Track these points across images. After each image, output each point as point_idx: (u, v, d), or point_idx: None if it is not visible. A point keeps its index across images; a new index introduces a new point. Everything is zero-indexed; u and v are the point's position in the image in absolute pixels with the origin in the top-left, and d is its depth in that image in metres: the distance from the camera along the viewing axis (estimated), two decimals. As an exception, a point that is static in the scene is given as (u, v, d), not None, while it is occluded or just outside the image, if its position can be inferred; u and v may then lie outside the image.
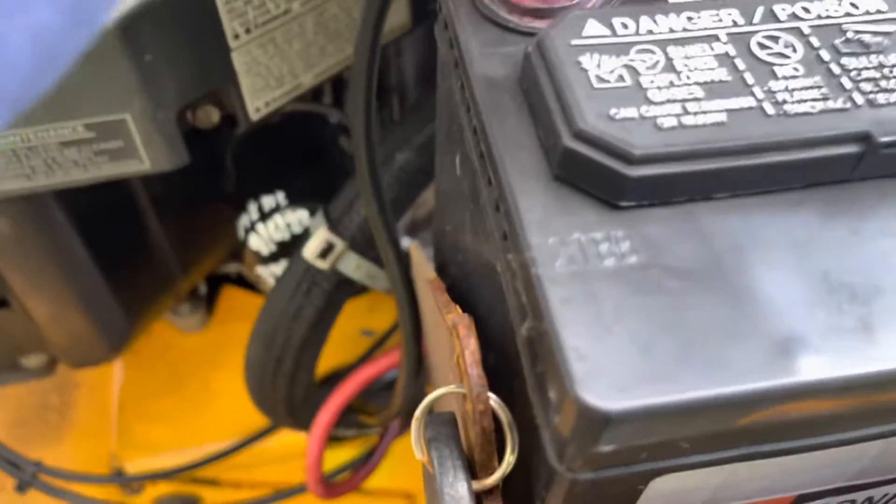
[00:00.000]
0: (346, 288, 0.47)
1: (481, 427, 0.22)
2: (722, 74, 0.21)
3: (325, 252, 0.45)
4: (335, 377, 0.65)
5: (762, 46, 0.22)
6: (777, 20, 0.23)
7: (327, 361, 0.60)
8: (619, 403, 0.17)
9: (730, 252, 0.20)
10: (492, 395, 0.22)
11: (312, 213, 0.54)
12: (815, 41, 0.22)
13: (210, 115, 0.47)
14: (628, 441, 0.18)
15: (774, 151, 0.20)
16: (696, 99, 0.21)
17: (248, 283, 0.74)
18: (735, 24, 0.23)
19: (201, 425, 0.69)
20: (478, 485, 0.22)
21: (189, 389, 0.72)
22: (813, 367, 0.18)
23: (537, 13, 0.25)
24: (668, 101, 0.21)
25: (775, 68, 0.22)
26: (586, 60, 0.21)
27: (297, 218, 0.54)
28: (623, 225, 0.20)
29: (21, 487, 0.61)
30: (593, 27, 0.22)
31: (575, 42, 0.22)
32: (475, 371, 0.22)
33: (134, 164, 0.45)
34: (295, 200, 0.55)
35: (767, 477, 0.21)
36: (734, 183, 0.20)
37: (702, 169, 0.20)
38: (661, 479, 0.20)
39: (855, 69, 0.22)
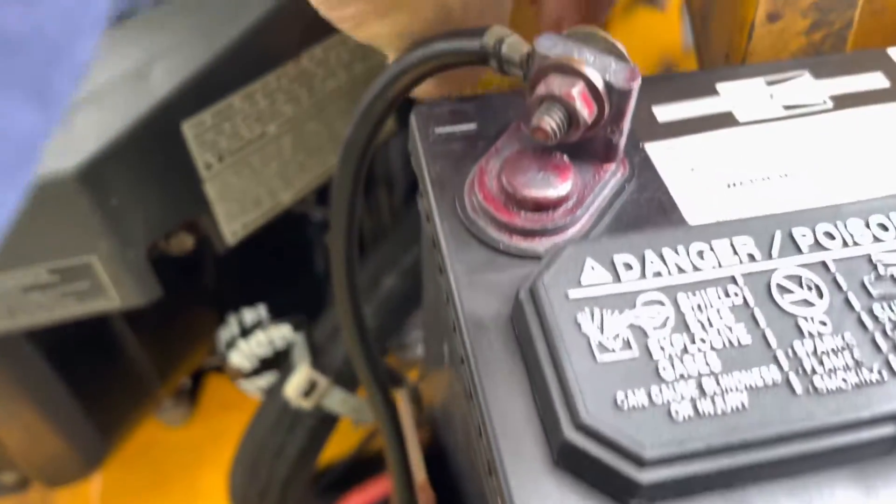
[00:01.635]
0: (331, 421, 0.45)
1: None
2: (741, 334, 0.19)
3: (309, 390, 0.43)
4: (326, 474, 0.62)
5: (783, 290, 0.20)
6: (798, 250, 0.20)
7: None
8: None
9: (758, 562, 0.17)
10: None
11: (296, 327, 0.51)
12: (842, 280, 0.20)
13: (184, 243, 0.44)
14: None
15: (805, 439, 0.18)
16: (713, 373, 0.18)
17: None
18: (752, 258, 0.20)
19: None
20: None
21: (174, 489, 0.69)
22: None
23: (528, 233, 0.22)
24: (682, 377, 0.18)
25: (800, 321, 0.19)
26: (586, 321, 0.19)
27: (280, 333, 0.51)
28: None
29: None
30: (593, 271, 0.20)
31: (573, 294, 0.19)
32: None
33: (102, 303, 0.42)
34: (278, 313, 0.52)
35: None
36: (758, 474, 0.18)
37: (721, 467, 0.17)
38: None
39: (890, 321, 0.19)
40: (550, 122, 0.21)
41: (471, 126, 0.26)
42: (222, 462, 0.54)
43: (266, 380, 0.53)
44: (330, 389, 0.42)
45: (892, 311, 0.19)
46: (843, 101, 0.27)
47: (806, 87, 0.27)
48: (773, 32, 0.28)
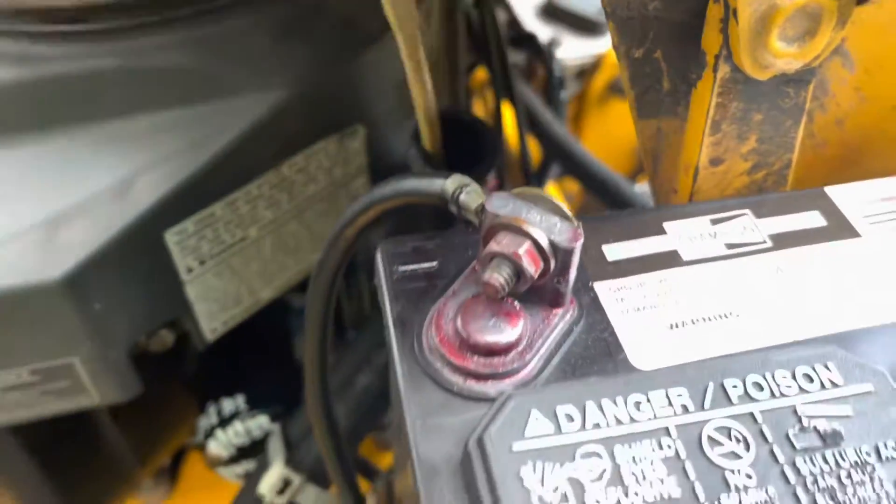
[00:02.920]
0: (304, 517, 0.45)
1: None
2: (671, 487, 0.20)
3: (283, 488, 0.43)
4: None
5: (713, 442, 0.21)
6: (729, 401, 0.22)
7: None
8: None
9: None
10: None
11: (273, 418, 0.52)
12: (767, 432, 0.21)
13: (164, 340, 0.45)
14: None
15: None
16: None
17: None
18: (685, 409, 0.22)
19: None
20: None
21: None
22: None
23: (480, 377, 0.24)
24: (625, 530, 0.19)
25: (727, 474, 0.21)
26: (528, 475, 0.20)
27: (258, 423, 0.52)
28: None
29: None
30: (536, 424, 0.21)
31: (517, 447, 0.21)
32: None
33: (82, 400, 0.43)
34: (257, 402, 0.53)
35: None
36: None
37: None
38: None
39: (811, 474, 0.21)
40: (499, 277, 0.23)
41: (432, 264, 0.27)
42: None
43: (243, 467, 0.54)
44: (303, 487, 0.43)
45: (814, 464, 0.21)
46: (781, 240, 0.29)
47: (747, 226, 0.29)
48: (716, 174, 0.30)
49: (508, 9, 0.89)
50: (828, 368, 0.23)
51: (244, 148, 0.41)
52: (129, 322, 0.42)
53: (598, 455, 0.21)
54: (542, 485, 0.20)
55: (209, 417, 0.53)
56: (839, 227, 0.29)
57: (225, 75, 0.40)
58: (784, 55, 0.25)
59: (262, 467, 0.44)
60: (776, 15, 0.24)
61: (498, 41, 0.60)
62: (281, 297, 0.58)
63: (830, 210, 0.30)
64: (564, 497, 0.20)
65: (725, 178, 0.31)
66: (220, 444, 0.53)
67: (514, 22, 0.87)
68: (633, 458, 0.21)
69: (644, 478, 0.20)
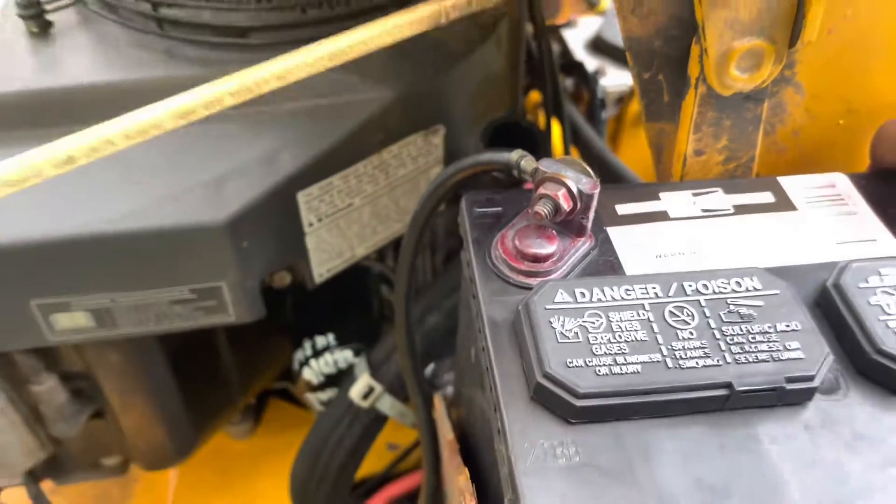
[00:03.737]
0: (380, 422, 0.59)
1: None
2: (643, 335, 0.33)
3: (367, 394, 0.57)
4: (362, 485, 0.75)
5: (672, 314, 0.34)
6: (685, 293, 0.35)
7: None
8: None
9: (639, 457, 0.31)
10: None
11: (356, 353, 0.66)
12: (707, 311, 0.34)
13: (284, 279, 0.60)
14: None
15: (671, 392, 0.32)
16: (623, 353, 0.32)
17: (291, 397, 0.86)
18: (656, 295, 0.35)
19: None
20: None
21: (236, 491, 0.82)
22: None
23: (529, 274, 0.37)
24: (605, 354, 0.32)
25: (678, 331, 0.33)
26: (555, 321, 0.33)
27: (344, 356, 0.66)
28: (572, 436, 0.31)
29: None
30: (561, 296, 0.34)
31: (548, 307, 0.34)
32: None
33: (222, 317, 0.58)
34: (342, 341, 0.67)
35: None
36: (645, 411, 0.32)
37: (623, 402, 0.31)
38: None
39: (730, 335, 0.33)
40: (543, 209, 0.36)
41: (497, 209, 0.41)
42: (279, 471, 0.68)
43: (328, 394, 0.68)
44: (383, 395, 0.56)
45: (733, 330, 0.33)
46: (741, 209, 0.42)
47: (718, 199, 0.42)
48: (699, 162, 0.43)
49: (562, 41, 1.03)
50: (751, 279, 0.36)
51: (359, 135, 0.55)
52: (264, 259, 0.56)
53: (598, 315, 0.34)
54: (563, 328, 0.33)
55: (304, 350, 0.67)
56: (783, 204, 0.42)
57: (349, 78, 0.55)
58: (740, 80, 0.38)
59: (351, 380, 0.58)
60: (733, 53, 0.37)
61: (551, 68, 0.73)
62: (364, 265, 0.72)
63: (779, 192, 0.43)
64: (576, 335, 0.33)
65: (706, 166, 0.43)
66: (313, 371, 0.66)
67: (565, 52, 1.01)
68: (620, 318, 0.34)
69: (624, 330, 0.33)
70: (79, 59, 0.55)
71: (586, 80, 0.92)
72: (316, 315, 0.69)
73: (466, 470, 0.38)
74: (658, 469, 0.31)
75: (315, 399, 0.68)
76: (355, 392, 0.57)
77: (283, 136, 0.54)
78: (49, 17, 0.59)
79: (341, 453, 0.59)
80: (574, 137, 0.84)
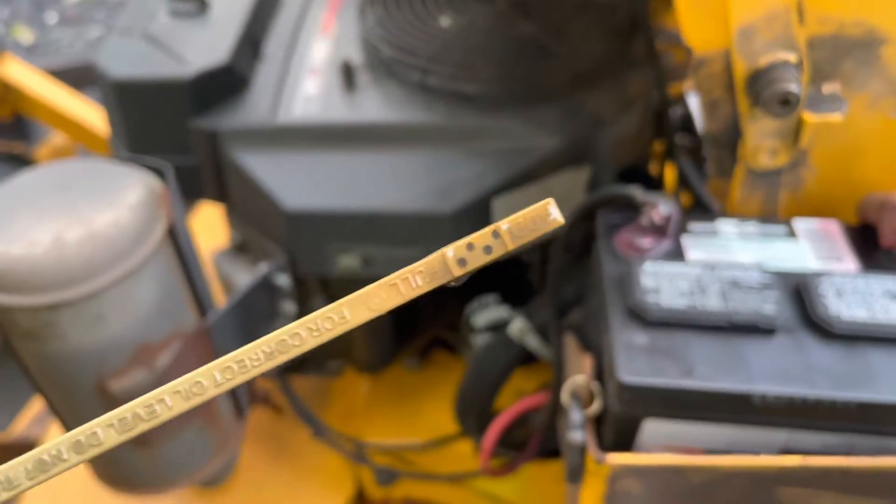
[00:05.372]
0: (523, 354, 0.90)
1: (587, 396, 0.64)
2: (686, 288, 0.64)
3: (521, 332, 0.89)
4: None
5: (705, 281, 0.64)
6: (714, 271, 0.65)
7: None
8: (631, 380, 0.59)
9: (682, 346, 0.61)
10: (594, 382, 0.64)
11: (513, 308, 0.98)
12: (726, 283, 0.64)
13: (473, 253, 0.93)
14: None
15: (706, 318, 0.62)
16: (675, 296, 0.63)
17: (447, 345, 1.18)
18: (700, 271, 0.65)
19: (416, 430, 1.12)
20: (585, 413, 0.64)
21: (409, 407, 1.15)
22: (691, 385, 0.59)
23: (631, 256, 0.68)
24: (668, 295, 0.63)
25: (707, 290, 0.63)
26: (643, 279, 0.64)
27: (501, 312, 0.98)
28: (649, 334, 0.62)
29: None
30: (649, 266, 0.65)
31: (641, 271, 0.65)
32: (588, 380, 0.64)
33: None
34: (501, 301, 0.99)
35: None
36: (690, 326, 0.62)
37: (678, 320, 0.62)
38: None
39: (737, 297, 0.63)
40: (645, 221, 0.67)
41: (619, 219, 0.72)
42: (440, 397, 0.99)
43: (486, 338, 1.00)
44: (531, 333, 0.88)
45: (738, 295, 0.63)
46: (765, 234, 0.71)
47: (752, 227, 0.71)
48: (742, 205, 0.73)
49: (685, 105, 1.32)
50: (755, 272, 0.65)
51: (535, 166, 0.87)
52: (467, 238, 0.89)
53: (666, 277, 0.64)
54: (646, 283, 0.64)
55: (474, 304, 1.00)
56: (790, 234, 0.71)
57: (528, 133, 0.87)
58: (766, 164, 0.68)
59: (504, 324, 0.90)
60: (762, 147, 0.67)
61: (668, 129, 1.03)
62: (522, 254, 1.04)
63: (790, 228, 0.71)
64: (654, 286, 0.64)
65: (747, 209, 0.73)
66: (478, 320, 0.99)
67: (687, 115, 1.30)
68: (678, 279, 0.64)
69: (678, 285, 0.64)
70: (371, 104, 0.91)
71: (698, 139, 1.21)
72: (482, 282, 1.02)
73: (588, 354, 0.69)
74: (690, 353, 0.61)
75: (476, 341, 1.00)
76: (513, 328, 0.88)
77: (488, 162, 0.87)
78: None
79: (496, 371, 0.90)
80: (683, 182, 1.13)
